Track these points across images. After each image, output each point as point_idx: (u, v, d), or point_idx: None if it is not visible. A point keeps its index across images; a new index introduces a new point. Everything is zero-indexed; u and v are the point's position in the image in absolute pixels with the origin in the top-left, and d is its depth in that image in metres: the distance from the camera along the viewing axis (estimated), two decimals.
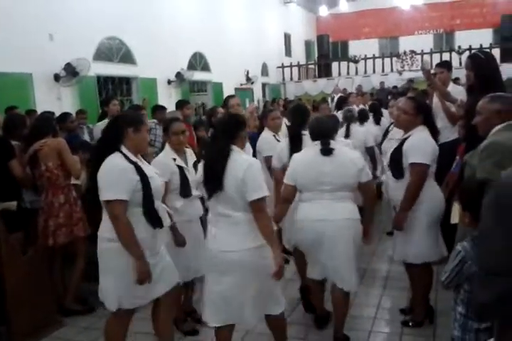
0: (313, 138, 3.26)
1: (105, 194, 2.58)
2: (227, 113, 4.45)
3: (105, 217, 2.68)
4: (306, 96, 18.70)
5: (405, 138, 3.35)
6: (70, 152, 3.96)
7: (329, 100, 15.38)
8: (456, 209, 3.10)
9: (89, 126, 6.36)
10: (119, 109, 5.58)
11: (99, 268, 2.75)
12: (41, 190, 3.92)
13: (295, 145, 3.69)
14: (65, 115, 5.74)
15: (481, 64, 3.83)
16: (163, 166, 3.22)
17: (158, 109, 6.11)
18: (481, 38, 19.72)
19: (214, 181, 2.60)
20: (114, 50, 9.95)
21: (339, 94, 15.34)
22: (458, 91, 5.08)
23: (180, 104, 5.89)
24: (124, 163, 2.63)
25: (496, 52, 17.17)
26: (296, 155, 3.30)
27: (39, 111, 6.31)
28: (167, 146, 3.44)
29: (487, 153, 2.62)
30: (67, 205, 3.89)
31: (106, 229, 2.67)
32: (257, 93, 17.59)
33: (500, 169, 2.39)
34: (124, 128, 2.69)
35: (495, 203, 1.18)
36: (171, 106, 8.17)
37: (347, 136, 5.66)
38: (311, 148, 3.25)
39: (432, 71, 5.01)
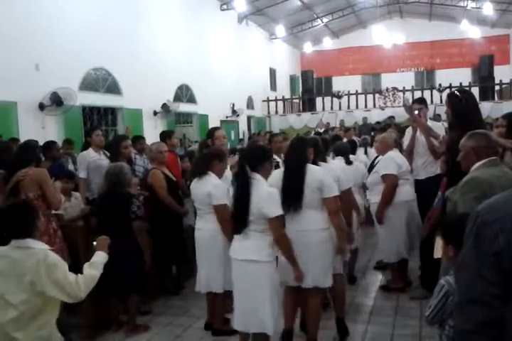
0: (337, 154, 5.00)
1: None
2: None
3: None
4: (290, 130, 18.91)
5: None
6: (51, 183, 3.91)
7: (313, 134, 15.58)
8: (439, 243, 3.11)
9: (74, 156, 6.32)
10: (102, 140, 5.54)
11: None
12: None
13: None
14: (51, 143, 5.70)
15: (457, 102, 3.92)
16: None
17: (137, 140, 6.11)
18: (461, 76, 20.37)
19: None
20: (100, 81, 10.01)
21: (323, 129, 15.61)
22: (436, 127, 5.18)
23: (166, 134, 5.92)
24: None
25: (475, 91, 17.72)
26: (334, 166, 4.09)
27: (22, 139, 6.26)
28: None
29: (468, 188, 2.66)
30: (46, 236, 3.79)
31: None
32: (242, 125, 17.77)
33: (479, 204, 2.48)
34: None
35: (475, 231, 1.20)
36: (156, 138, 8.16)
37: (366, 153, 7.81)
38: (337, 161, 4.72)
39: (415, 108, 5.10)
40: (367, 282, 5.31)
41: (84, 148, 5.69)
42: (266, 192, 3.06)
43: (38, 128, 8.21)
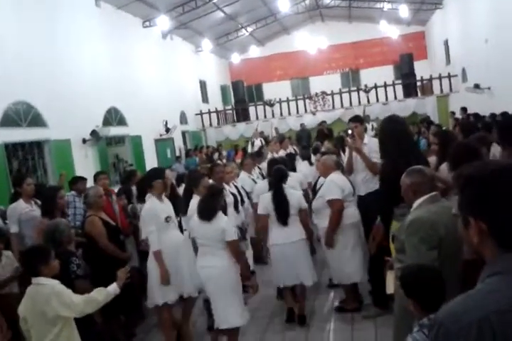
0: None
1: None
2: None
3: None
4: (227, 141, 18.88)
5: None
6: None
7: (249, 144, 15.57)
8: (390, 278, 3.12)
9: (1, 208, 5.83)
10: (33, 188, 5.15)
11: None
12: None
13: None
14: None
15: (383, 135, 4.20)
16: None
17: (78, 180, 5.86)
18: (384, 74, 21.17)
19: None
20: (22, 115, 9.41)
21: (259, 138, 15.65)
22: (374, 143, 5.25)
23: (96, 176, 5.79)
24: None
25: (399, 88, 18.43)
26: None
27: None
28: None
29: (412, 230, 2.71)
30: None
31: None
32: (178, 141, 17.48)
33: (425, 244, 2.66)
34: None
35: None
36: (86, 167, 7.82)
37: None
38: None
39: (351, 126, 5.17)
40: (320, 301, 5.32)
41: (13, 198, 5.26)
42: (298, 193, 5.01)
43: None
